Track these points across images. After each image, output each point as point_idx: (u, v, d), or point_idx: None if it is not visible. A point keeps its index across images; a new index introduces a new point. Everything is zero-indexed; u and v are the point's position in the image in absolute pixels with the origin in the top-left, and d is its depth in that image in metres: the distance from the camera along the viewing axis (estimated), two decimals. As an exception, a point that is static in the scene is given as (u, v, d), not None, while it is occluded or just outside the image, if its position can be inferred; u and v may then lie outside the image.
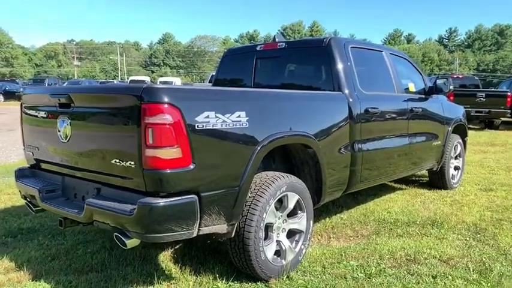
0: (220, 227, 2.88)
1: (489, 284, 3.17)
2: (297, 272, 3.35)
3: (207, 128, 2.68)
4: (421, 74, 5.53)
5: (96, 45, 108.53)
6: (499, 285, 3.14)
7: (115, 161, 2.70)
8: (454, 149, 6.10)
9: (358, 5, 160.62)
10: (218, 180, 2.79)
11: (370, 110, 4.15)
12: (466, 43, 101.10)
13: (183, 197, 2.60)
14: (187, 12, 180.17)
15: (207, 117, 2.68)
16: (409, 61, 5.47)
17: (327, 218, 4.71)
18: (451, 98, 13.98)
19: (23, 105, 3.60)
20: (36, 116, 3.41)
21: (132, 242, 2.68)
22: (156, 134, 2.49)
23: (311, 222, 3.52)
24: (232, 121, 2.83)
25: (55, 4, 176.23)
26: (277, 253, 3.30)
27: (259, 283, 3.16)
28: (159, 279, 3.18)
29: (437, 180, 6.06)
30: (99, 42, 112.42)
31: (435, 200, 5.52)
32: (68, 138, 3.03)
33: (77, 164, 3.08)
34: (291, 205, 3.33)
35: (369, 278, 3.27)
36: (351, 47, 4.26)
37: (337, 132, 3.82)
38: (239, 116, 2.87)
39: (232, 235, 3.00)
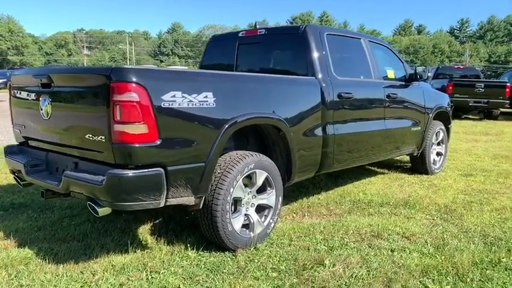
0: (187, 199, 3.11)
1: (443, 257, 3.36)
2: (264, 243, 3.58)
3: (173, 106, 2.89)
4: (402, 61, 5.68)
5: (106, 35, 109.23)
6: (451, 257, 3.34)
7: (88, 136, 2.94)
8: (436, 135, 6.26)
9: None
10: (185, 155, 3.00)
11: (343, 94, 4.32)
12: (477, 34, 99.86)
13: (150, 170, 2.82)
14: (196, 1, 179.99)
15: (174, 96, 2.89)
16: (389, 49, 5.63)
17: (305, 198, 4.91)
18: (450, 88, 14.07)
19: (11, 86, 3.85)
20: (22, 96, 3.65)
21: (103, 211, 2.92)
22: (124, 110, 2.71)
23: (280, 198, 3.74)
24: (199, 101, 3.03)
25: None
26: (246, 226, 3.53)
27: (226, 252, 3.38)
28: (135, 248, 3.43)
29: (418, 165, 6.24)
30: (109, 31, 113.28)
31: (413, 184, 5.71)
32: (49, 116, 3.27)
33: (57, 139, 3.33)
34: (260, 182, 3.55)
35: (331, 250, 3.49)
36: (327, 34, 4.43)
37: (308, 116, 4.01)
38: (206, 97, 3.08)
39: (200, 207, 3.23)
